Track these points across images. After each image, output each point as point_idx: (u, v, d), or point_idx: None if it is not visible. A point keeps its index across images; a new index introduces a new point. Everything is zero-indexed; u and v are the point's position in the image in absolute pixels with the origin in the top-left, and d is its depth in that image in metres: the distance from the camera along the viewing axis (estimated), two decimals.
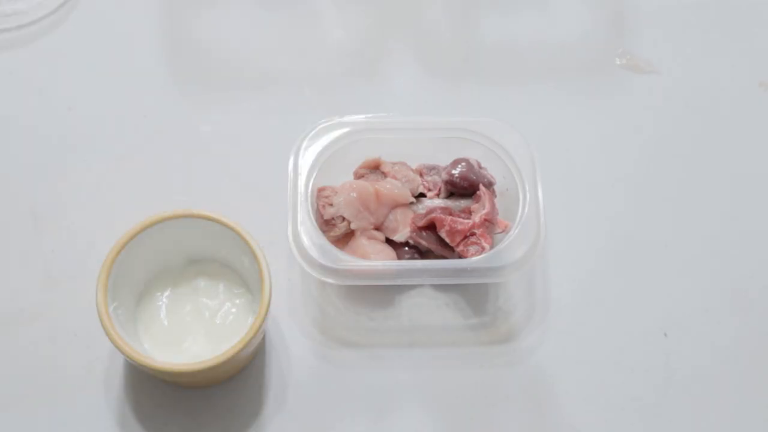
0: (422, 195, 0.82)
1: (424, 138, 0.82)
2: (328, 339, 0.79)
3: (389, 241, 0.80)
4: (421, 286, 0.81)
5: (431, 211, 0.79)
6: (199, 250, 0.78)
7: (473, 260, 0.75)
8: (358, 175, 0.82)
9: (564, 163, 0.88)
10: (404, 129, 0.81)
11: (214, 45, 0.93)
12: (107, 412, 0.75)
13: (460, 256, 0.77)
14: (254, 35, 0.94)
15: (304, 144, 0.79)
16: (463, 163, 0.81)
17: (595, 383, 0.78)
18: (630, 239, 0.85)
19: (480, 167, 0.81)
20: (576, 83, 0.93)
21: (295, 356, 0.78)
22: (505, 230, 0.79)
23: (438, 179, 0.82)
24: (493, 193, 0.80)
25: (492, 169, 0.82)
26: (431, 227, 0.79)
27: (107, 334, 0.69)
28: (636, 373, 0.79)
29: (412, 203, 0.81)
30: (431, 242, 0.78)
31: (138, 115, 0.89)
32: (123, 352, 0.69)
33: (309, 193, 0.77)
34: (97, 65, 0.91)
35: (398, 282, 0.76)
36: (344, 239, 0.79)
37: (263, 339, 0.78)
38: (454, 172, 0.80)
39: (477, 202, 0.79)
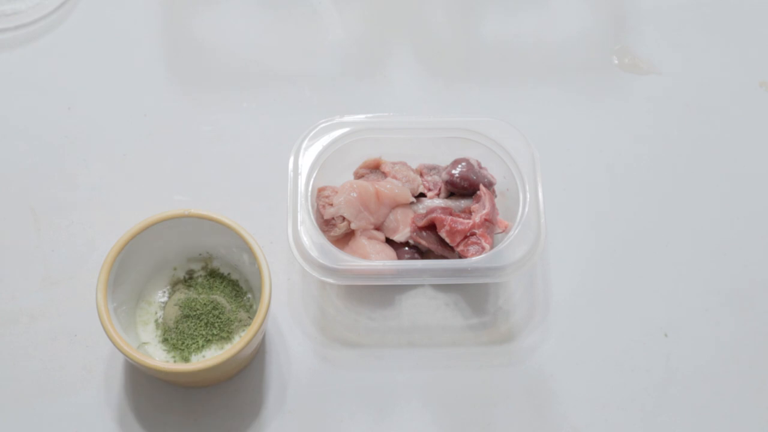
0: (422, 195, 0.82)
1: (424, 138, 0.82)
2: (328, 339, 0.79)
3: (389, 241, 0.80)
4: (421, 286, 0.81)
5: (431, 211, 0.79)
6: (199, 250, 0.78)
7: (473, 260, 0.75)
8: (359, 175, 0.82)
9: (564, 163, 0.88)
10: (404, 129, 0.81)
11: (214, 45, 0.93)
12: (107, 412, 0.75)
13: (460, 256, 0.77)
14: (254, 35, 0.94)
15: (304, 144, 0.79)
16: (464, 163, 0.81)
17: (595, 383, 0.78)
18: (630, 239, 0.85)
19: (480, 167, 0.81)
20: (576, 83, 0.93)
21: (295, 356, 0.78)
22: (505, 230, 0.79)
23: (438, 179, 0.82)
24: (493, 193, 0.80)
25: (492, 169, 0.82)
26: (431, 227, 0.79)
27: (107, 334, 0.69)
28: (636, 373, 0.79)
29: (412, 203, 0.81)
30: (431, 242, 0.78)
31: (138, 114, 0.89)
32: (123, 352, 0.69)
33: (309, 193, 0.77)
34: (97, 65, 0.91)
35: (398, 282, 0.76)
36: (344, 239, 0.79)
37: (263, 339, 0.78)
38: (454, 172, 0.80)
39: (477, 202, 0.79)
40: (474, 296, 0.81)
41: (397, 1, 0.97)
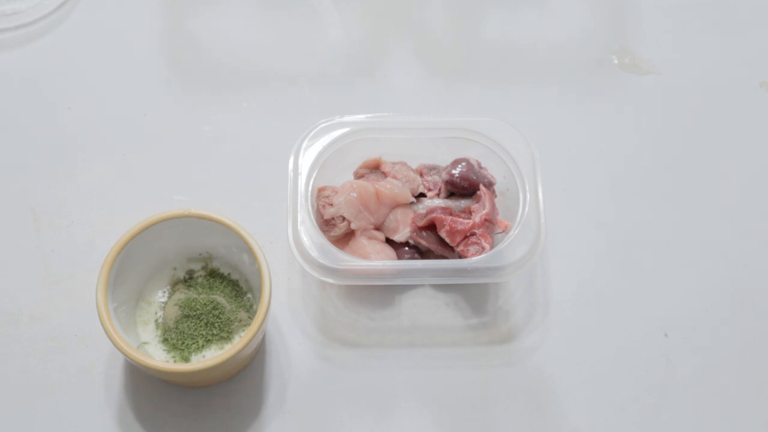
0: (422, 195, 0.82)
1: (424, 138, 0.82)
2: (328, 339, 0.79)
3: (389, 241, 0.80)
4: (421, 286, 0.81)
5: (431, 211, 0.79)
6: (200, 250, 0.78)
7: (473, 260, 0.75)
8: (359, 175, 0.82)
9: (564, 163, 0.88)
10: (404, 129, 0.81)
11: (214, 45, 0.93)
12: (107, 412, 0.75)
13: (460, 256, 0.77)
14: (254, 35, 0.94)
15: (304, 144, 0.79)
16: (464, 163, 0.81)
17: (595, 383, 0.78)
18: (630, 239, 0.85)
19: (480, 167, 0.81)
20: (576, 83, 0.93)
21: (295, 356, 0.78)
22: (505, 230, 0.79)
23: (438, 179, 0.82)
24: (493, 193, 0.80)
25: (492, 169, 0.82)
26: (431, 227, 0.79)
27: (107, 334, 0.69)
28: (636, 373, 0.79)
29: (412, 203, 0.81)
30: (431, 242, 0.78)
31: (138, 114, 0.89)
32: (123, 352, 0.69)
33: (309, 193, 0.77)
34: (97, 65, 0.91)
35: (398, 282, 0.76)
36: (344, 239, 0.79)
37: (263, 339, 0.78)
38: (454, 172, 0.80)
39: (477, 202, 0.79)
40: (474, 296, 0.81)
41: (397, 1, 0.97)
